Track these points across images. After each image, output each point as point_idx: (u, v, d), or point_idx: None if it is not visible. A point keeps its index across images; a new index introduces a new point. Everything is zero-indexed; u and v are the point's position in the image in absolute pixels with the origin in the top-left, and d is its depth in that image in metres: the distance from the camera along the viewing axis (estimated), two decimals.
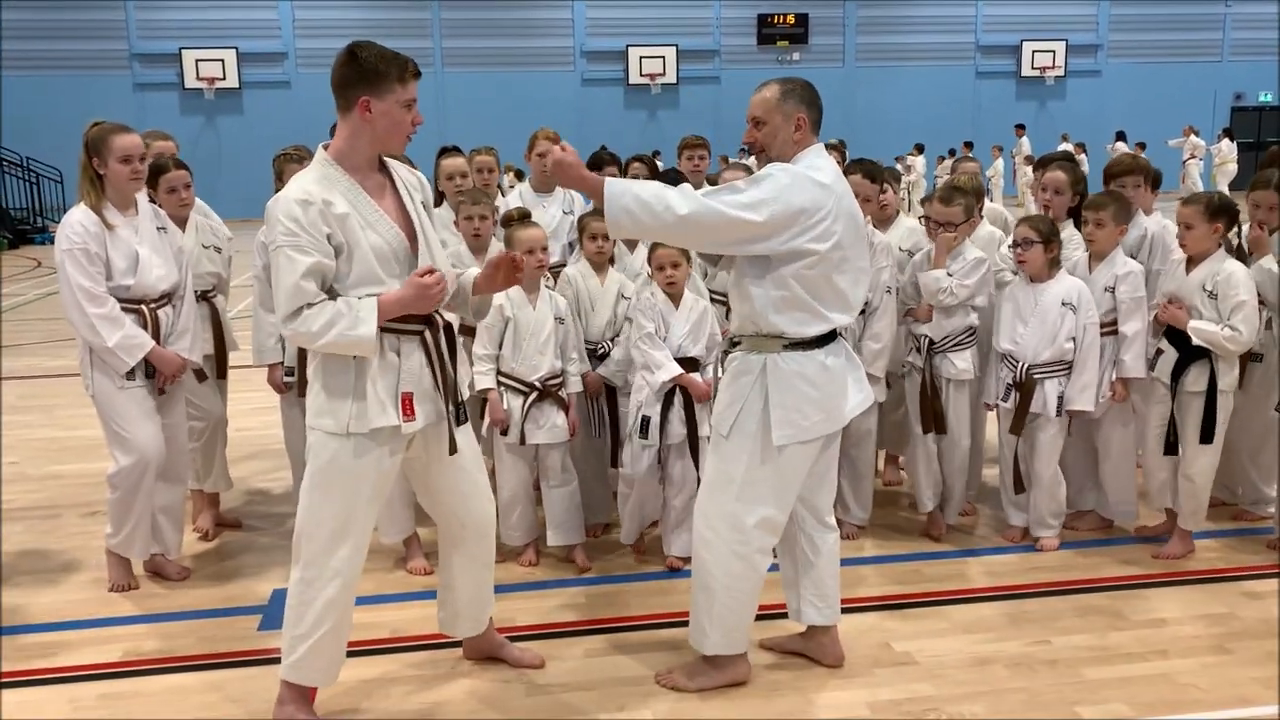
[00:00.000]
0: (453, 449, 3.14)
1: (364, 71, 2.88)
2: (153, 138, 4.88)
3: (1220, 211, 4.13)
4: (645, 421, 4.14)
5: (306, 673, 3.12)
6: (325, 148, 3.01)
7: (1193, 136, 22.78)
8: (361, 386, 2.96)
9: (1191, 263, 4.24)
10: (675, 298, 4.20)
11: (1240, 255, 4.38)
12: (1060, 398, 4.30)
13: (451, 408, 3.11)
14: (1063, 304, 4.27)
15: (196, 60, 23.80)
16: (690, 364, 4.16)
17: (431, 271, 2.96)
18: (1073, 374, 4.30)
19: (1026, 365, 4.31)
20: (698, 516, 3.34)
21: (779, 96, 3.21)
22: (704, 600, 3.33)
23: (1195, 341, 4.13)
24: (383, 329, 2.93)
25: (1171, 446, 4.30)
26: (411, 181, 3.15)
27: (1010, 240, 4.56)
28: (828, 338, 3.23)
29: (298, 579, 3.08)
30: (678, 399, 4.13)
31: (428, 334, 3.05)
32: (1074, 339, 4.27)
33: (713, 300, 4.46)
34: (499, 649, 3.56)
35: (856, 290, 3.25)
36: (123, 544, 4.14)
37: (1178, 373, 4.24)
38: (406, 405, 3.00)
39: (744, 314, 3.26)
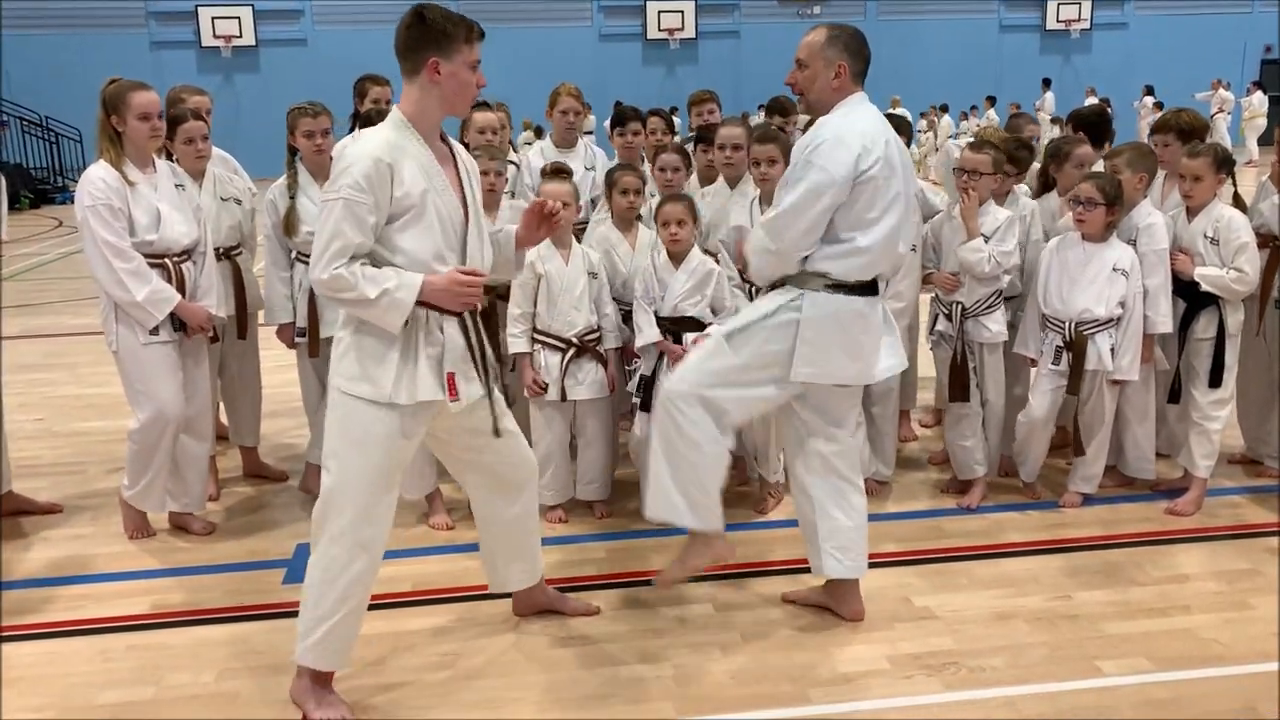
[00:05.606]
0: (497, 432, 3.10)
1: (432, 33, 2.82)
2: (188, 93, 4.94)
3: (1225, 163, 4.23)
4: (641, 381, 4.19)
5: (323, 656, 2.99)
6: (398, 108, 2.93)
7: (1221, 90, 22.36)
8: (409, 356, 2.88)
9: (1191, 212, 4.31)
10: (678, 256, 4.18)
11: (1239, 204, 4.43)
12: (1113, 350, 4.23)
13: (496, 390, 3.07)
14: (1114, 269, 4.18)
15: (213, 18, 23.70)
16: (689, 324, 4.14)
17: (474, 274, 2.90)
18: (1119, 344, 4.22)
19: (1074, 324, 4.23)
20: (663, 393, 3.31)
21: (824, 41, 3.22)
22: (666, 469, 3.26)
23: (1204, 288, 4.20)
24: (426, 304, 2.86)
25: (1175, 394, 4.42)
26: (470, 163, 3.09)
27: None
28: (869, 287, 3.24)
29: (321, 554, 2.94)
30: (666, 362, 4.08)
31: (467, 316, 2.97)
32: (1122, 303, 4.20)
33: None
34: (554, 602, 3.59)
35: (893, 226, 3.21)
36: (138, 497, 4.20)
37: (1186, 322, 4.33)
38: (450, 384, 2.93)
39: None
